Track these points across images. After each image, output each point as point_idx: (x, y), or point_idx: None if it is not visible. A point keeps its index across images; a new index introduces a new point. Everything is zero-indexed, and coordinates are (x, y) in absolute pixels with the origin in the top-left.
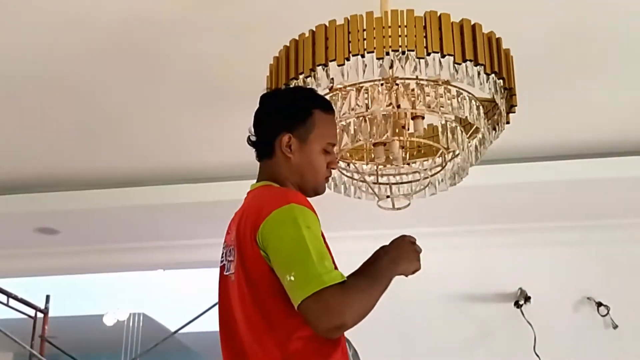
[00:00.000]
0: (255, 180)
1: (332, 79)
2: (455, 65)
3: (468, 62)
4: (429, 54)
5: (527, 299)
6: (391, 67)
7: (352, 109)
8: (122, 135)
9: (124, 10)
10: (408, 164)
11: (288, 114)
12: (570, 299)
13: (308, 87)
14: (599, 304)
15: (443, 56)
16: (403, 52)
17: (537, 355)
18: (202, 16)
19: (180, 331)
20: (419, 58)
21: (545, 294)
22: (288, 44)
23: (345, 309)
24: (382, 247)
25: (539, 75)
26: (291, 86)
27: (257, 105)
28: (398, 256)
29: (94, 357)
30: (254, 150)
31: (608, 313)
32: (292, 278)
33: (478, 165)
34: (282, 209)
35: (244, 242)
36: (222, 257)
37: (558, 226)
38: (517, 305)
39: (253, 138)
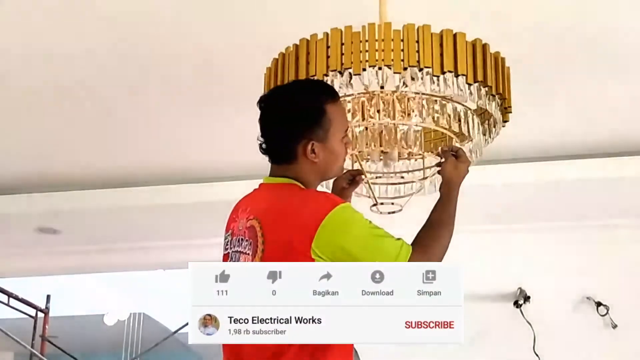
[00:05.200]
0: (266, 175)
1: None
2: (434, 77)
3: (448, 73)
4: (405, 69)
5: (527, 298)
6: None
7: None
8: (122, 136)
9: (122, 13)
10: (416, 160)
11: (303, 120)
12: (570, 298)
13: (309, 79)
14: (599, 304)
15: (420, 69)
16: (380, 68)
17: (537, 355)
18: (203, 17)
19: (180, 331)
20: (396, 73)
21: (545, 293)
22: (277, 57)
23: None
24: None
25: (539, 75)
26: (291, 83)
27: (257, 108)
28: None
29: (94, 356)
30: (267, 154)
31: (608, 313)
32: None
33: (478, 165)
34: (335, 212)
35: (281, 246)
36: (226, 245)
37: (558, 226)
38: (517, 305)
39: (264, 145)
